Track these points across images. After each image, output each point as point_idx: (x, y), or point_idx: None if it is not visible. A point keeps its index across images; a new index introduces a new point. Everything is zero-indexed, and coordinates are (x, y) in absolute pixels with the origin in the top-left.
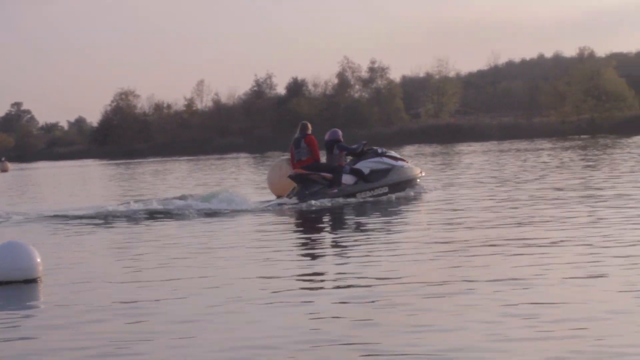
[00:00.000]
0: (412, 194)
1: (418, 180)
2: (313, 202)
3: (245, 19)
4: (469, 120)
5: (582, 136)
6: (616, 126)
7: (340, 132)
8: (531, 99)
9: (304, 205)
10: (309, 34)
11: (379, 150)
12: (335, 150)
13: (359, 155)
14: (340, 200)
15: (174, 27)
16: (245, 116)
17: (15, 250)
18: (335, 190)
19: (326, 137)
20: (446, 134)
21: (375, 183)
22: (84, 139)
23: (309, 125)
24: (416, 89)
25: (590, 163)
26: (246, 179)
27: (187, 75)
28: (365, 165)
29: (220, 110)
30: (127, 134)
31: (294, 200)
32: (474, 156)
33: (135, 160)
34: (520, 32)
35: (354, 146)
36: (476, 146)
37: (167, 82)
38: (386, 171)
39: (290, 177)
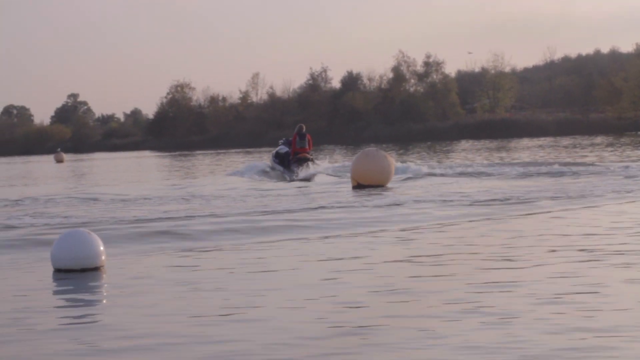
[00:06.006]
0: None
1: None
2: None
3: (300, 12)
4: (524, 115)
5: (639, 132)
6: None
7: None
8: (587, 94)
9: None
10: (364, 27)
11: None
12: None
13: None
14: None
15: (230, 20)
16: (300, 109)
17: (80, 239)
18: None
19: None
20: (502, 129)
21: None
22: (139, 131)
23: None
24: (471, 84)
25: None
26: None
27: (242, 68)
28: None
29: (275, 104)
30: (183, 126)
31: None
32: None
33: (195, 152)
34: (576, 27)
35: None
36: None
37: (223, 75)
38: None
39: (305, 157)
